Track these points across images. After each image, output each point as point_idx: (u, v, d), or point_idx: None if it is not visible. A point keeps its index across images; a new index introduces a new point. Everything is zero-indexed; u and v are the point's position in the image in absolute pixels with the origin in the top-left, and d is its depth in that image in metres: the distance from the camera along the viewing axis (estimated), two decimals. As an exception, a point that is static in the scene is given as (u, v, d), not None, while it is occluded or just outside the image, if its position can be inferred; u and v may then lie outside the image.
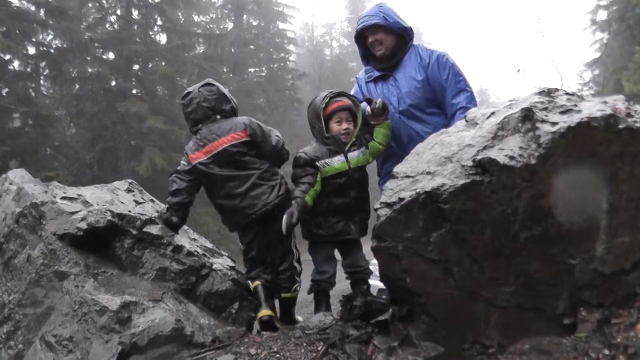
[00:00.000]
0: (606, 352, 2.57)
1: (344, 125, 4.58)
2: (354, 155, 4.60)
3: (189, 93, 4.67)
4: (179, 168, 4.62)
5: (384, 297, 3.94)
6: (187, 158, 4.59)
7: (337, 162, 4.55)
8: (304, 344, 3.51)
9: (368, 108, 4.63)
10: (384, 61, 4.80)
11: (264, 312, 4.32)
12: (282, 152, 4.73)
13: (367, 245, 3.45)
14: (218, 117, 4.59)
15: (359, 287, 4.34)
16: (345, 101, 4.62)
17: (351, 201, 4.56)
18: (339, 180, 4.54)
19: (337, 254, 4.75)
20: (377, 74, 4.88)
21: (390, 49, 4.75)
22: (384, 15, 4.68)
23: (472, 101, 4.59)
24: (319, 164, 4.53)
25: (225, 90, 4.75)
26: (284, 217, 4.25)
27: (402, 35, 4.76)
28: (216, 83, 4.74)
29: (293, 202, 4.36)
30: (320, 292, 4.66)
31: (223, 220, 4.82)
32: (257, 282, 4.52)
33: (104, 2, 24.99)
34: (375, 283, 5.03)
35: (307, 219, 4.60)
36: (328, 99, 4.59)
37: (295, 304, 4.79)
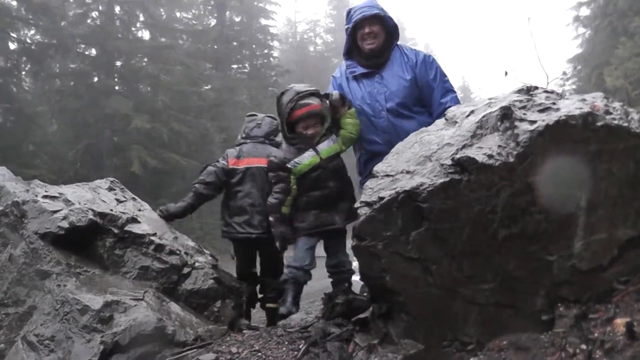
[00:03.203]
0: (583, 347, 2.58)
1: (310, 131, 4.59)
2: (324, 145, 4.61)
3: (255, 114, 5.50)
4: (219, 165, 5.05)
5: (364, 294, 3.96)
6: (227, 159, 5.13)
7: (307, 158, 4.55)
8: (286, 343, 3.52)
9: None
10: (372, 57, 4.82)
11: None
12: None
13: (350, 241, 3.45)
14: (266, 142, 5.20)
15: (340, 285, 4.35)
16: (311, 105, 4.58)
17: (331, 192, 4.55)
18: (313, 174, 4.54)
19: (320, 251, 4.74)
20: (360, 70, 4.87)
21: (381, 45, 4.79)
22: (381, 8, 4.75)
23: (458, 103, 4.65)
24: (289, 165, 4.54)
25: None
26: (277, 244, 4.59)
27: (391, 34, 4.82)
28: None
29: (271, 217, 4.60)
30: (292, 280, 4.60)
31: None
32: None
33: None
34: (358, 279, 5.05)
35: (289, 215, 4.63)
36: (294, 103, 4.56)
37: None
